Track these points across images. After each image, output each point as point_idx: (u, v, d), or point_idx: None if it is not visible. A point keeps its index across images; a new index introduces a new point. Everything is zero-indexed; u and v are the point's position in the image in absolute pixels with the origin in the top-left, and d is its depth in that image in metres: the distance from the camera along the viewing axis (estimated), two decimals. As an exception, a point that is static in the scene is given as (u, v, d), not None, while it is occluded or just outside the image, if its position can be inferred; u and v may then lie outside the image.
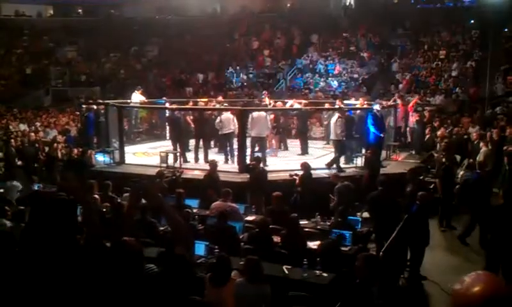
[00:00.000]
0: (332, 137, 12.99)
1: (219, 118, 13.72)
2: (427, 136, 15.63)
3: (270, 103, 16.44)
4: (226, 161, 13.48)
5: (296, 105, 16.88)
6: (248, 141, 13.27)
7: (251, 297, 5.55)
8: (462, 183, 10.97)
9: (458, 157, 13.75)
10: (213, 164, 11.16)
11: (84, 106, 17.19)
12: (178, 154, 13.34)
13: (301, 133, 15.64)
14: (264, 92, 19.33)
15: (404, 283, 8.08)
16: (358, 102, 16.33)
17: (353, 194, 10.05)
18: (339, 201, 9.63)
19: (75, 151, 13.59)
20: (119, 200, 9.09)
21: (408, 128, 15.89)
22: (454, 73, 23.76)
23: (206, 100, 18.09)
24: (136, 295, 2.86)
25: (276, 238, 7.78)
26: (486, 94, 21.77)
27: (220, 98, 19.10)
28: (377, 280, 4.84)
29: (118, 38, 32.04)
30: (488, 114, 19.83)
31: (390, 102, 16.42)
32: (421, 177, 11.99)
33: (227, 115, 13.71)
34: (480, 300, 1.57)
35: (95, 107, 16.28)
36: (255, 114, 13.45)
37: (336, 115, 12.95)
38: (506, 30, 24.96)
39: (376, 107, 13.40)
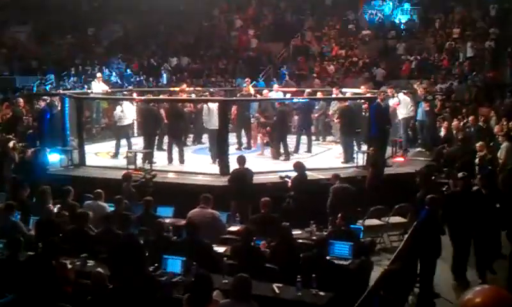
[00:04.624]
0: None
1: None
2: (443, 132, 15.65)
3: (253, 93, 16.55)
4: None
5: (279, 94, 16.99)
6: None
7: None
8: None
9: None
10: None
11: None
12: (151, 153, 13.20)
13: (303, 128, 15.49)
14: (246, 79, 18.81)
15: (414, 301, 8.16)
16: (359, 91, 16.36)
17: (352, 198, 10.09)
18: (332, 202, 9.78)
19: (29, 151, 13.30)
20: (81, 210, 9.03)
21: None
22: (469, 55, 23.93)
23: (178, 89, 17.59)
24: None
25: (265, 251, 7.81)
26: (507, 80, 21.94)
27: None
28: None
29: (76, 16, 31.76)
30: (509, 102, 19.98)
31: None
32: (432, 177, 12.09)
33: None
34: None
35: (48, 99, 16.08)
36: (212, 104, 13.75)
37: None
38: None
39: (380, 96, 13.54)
